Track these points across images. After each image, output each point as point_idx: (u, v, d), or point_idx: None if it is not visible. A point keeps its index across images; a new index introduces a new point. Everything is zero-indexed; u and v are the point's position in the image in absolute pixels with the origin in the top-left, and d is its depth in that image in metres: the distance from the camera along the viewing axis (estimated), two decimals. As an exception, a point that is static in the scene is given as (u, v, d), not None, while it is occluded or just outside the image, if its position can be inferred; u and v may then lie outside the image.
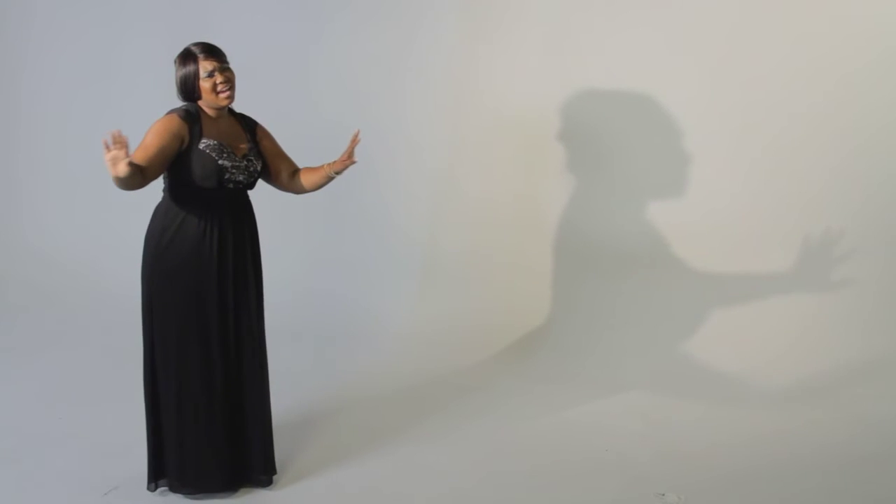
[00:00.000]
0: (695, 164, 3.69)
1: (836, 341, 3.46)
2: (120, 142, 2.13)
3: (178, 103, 2.50)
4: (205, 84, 2.44)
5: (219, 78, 2.43)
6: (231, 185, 2.49)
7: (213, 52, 2.46)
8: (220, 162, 2.44)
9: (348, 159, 2.58)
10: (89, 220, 4.99)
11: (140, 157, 2.31)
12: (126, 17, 4.85)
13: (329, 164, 2.61)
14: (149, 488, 2.57)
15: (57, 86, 5.07)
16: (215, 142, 2.44)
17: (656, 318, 3.79)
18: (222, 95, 2.45)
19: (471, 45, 4.10)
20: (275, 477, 2.66)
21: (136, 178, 2.26)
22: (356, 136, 2.59)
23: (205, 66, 2.43)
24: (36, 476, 2.70)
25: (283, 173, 2.67)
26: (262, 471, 2.63)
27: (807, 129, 3.49)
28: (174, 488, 2.55)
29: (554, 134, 3.94)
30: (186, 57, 2.45)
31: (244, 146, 2.55)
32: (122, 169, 2.15)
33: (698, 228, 3.70)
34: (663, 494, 2.62)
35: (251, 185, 2.58)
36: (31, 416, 3.20)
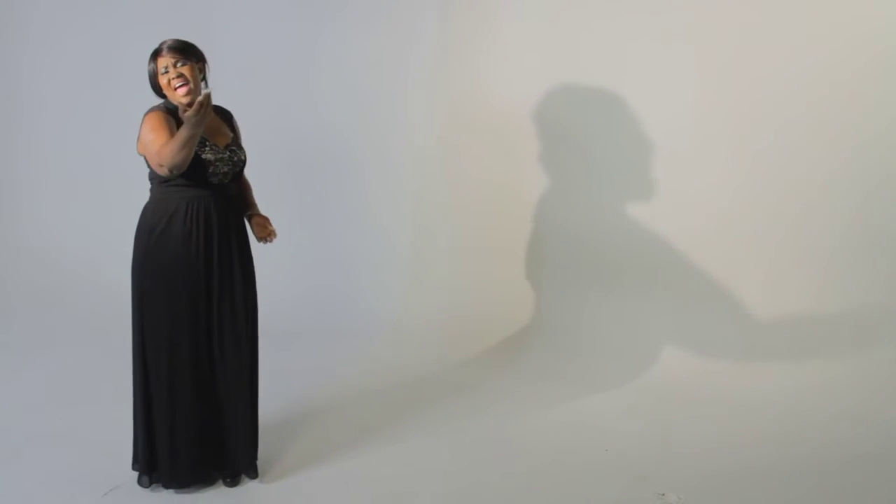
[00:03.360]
0: (692, 163, 3.68)
1: (836, 341, 3.46)
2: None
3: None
4: (162, 81, 2.42)
5: (172, 74, 2.39)
6: (216, 180, 2.46)
7: (172, 48, 2.41)
8: (203, 156, 2.41)
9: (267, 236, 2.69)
10: (89, 220, 4.99)
11: (167, 138, 2.33)
12: (127, 18, 4.84)
13: (256, 219, 2.69)
14: (141, 482, 2.58)
15: (57, 86, 5.07)
16: None
17: (657, 317, 3.78)
18: (179, 92, 2.39)
19: (464, 42, 4.09)
20: (265, 473, 2.67)
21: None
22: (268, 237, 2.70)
23: (160, 62, 2.41)
24: (36, 476, 2.70)
25: None
26: (247, 466, 2.62)
27: (805, 131, 3.48)
28: (166, 484, 2.56)
29: (549, 131, 3.94)
30: (153, 54, 2.44)
31: (226, 137, 2.52)
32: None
33: (697, 228, 3.69)
34: (663, 494, 2.62)
35: (237, 177, 2.54)
36: (30, 416, 3.19)
